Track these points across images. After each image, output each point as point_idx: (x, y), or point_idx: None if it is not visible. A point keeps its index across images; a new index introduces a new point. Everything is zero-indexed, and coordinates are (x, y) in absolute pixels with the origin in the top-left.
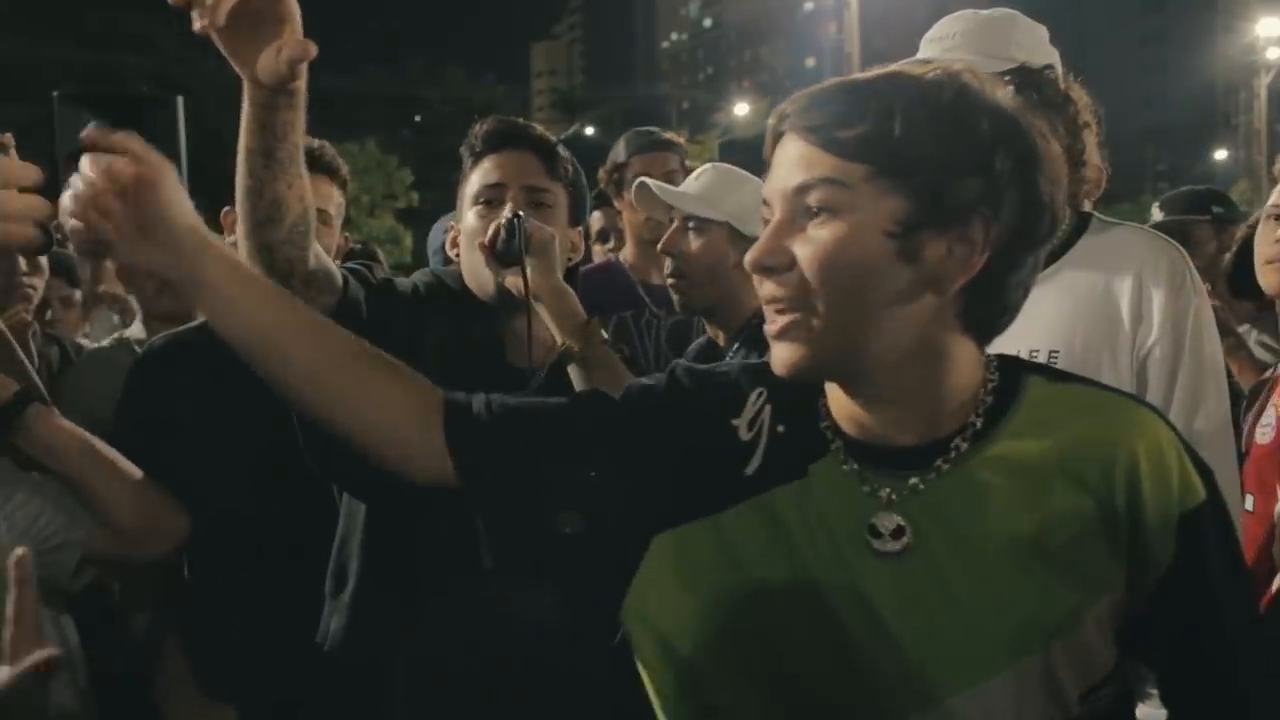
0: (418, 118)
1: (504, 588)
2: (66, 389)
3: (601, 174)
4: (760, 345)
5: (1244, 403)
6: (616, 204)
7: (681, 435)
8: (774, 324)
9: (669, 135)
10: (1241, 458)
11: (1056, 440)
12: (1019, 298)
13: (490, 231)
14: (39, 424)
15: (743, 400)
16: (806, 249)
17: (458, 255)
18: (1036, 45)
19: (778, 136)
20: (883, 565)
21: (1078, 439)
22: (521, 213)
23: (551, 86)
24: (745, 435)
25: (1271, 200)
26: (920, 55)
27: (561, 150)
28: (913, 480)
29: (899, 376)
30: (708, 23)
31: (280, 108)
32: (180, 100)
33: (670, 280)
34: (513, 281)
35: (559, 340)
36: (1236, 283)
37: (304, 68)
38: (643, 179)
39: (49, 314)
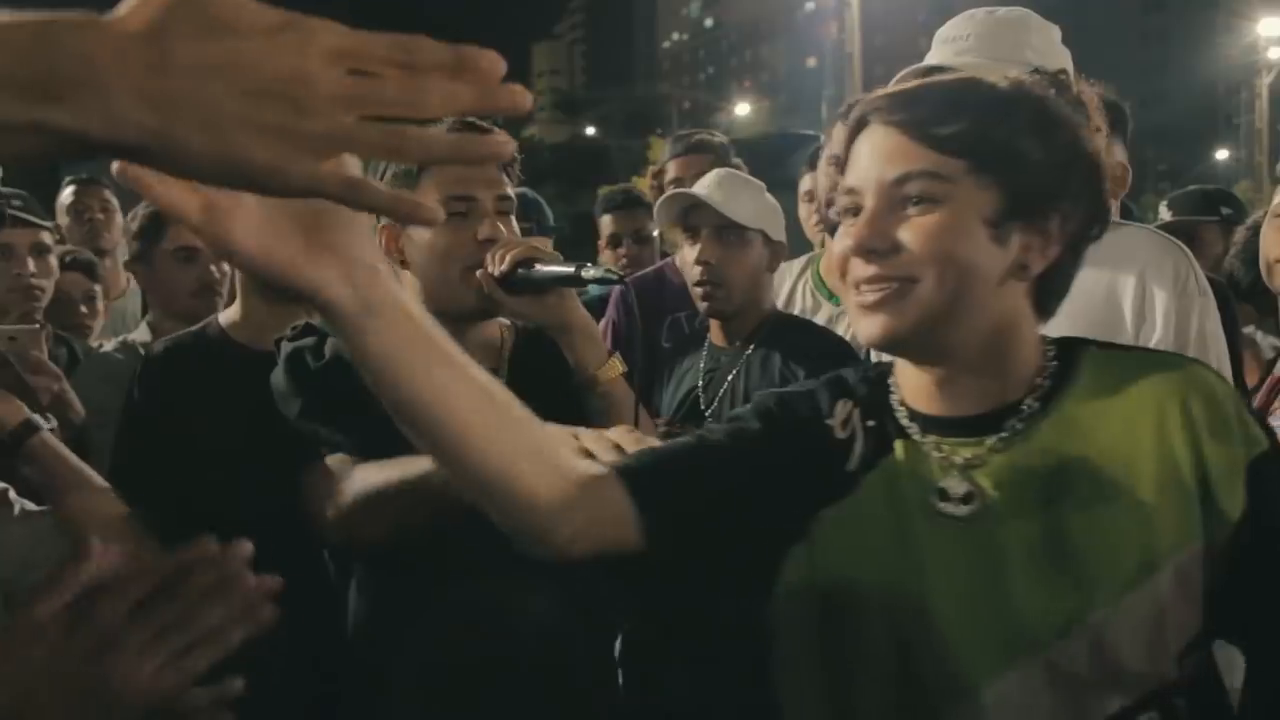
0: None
1: (504, 589)
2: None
3: (646, 181)
4: (776, 344)
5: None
6: None
7: (792, 453)
8: (870, 298)
9: (703, 136)
10: None
11: (1119, 400)
12: (1070, 286)
13: (505, 264)
14: (41, 453)
15: (831, 404)
16: (910, 233)
17: (401, 262)
18: (1049, 47)
19: (860, 126)
20: (953, 529)
21: (1139, 397)
22: (534, 255)
23: (552, 86)
24: (841, 434)
25: (1277, 200)
26: (932, 55)
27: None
28: (989, 441)
29: (978, 352)
30: (708, 23)
31: None
32: None
33: (705, 287)
34: (523, 307)
35: (581, 372)
36: (1237, 284)
37: None
38: (681, 191)
39: (82, 309)
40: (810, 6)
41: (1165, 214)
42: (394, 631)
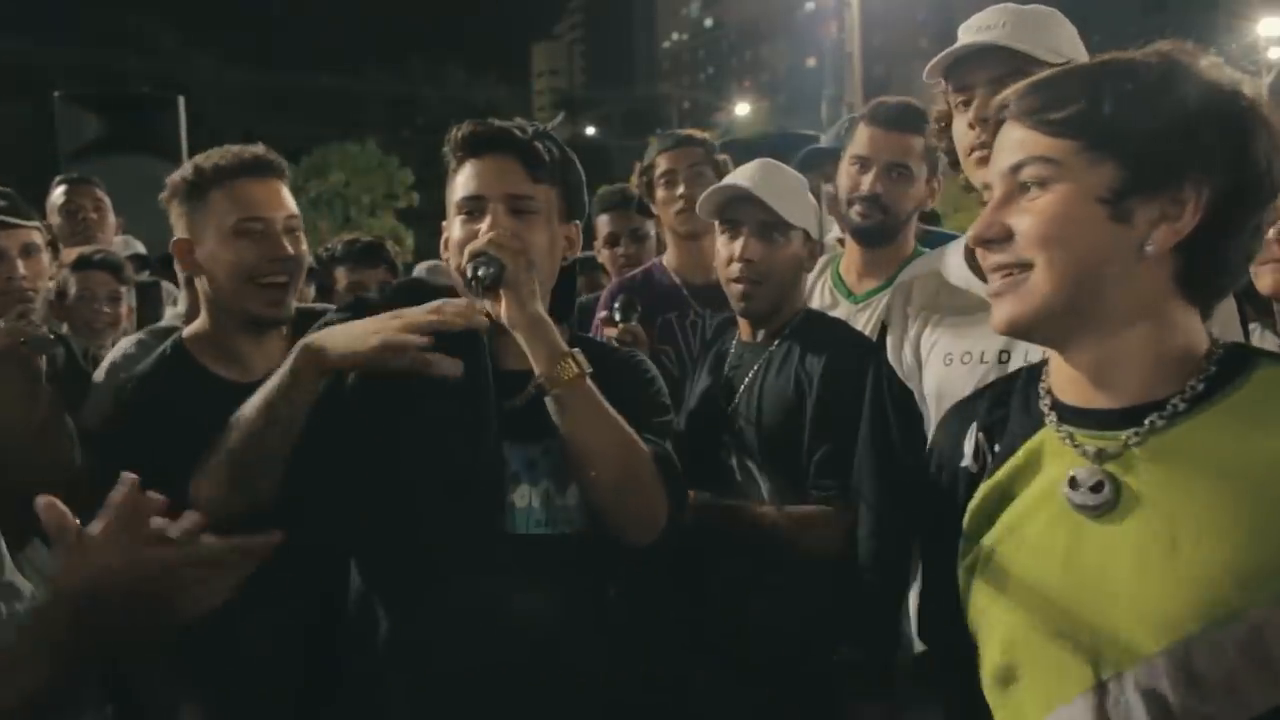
0: (418, 118)
1: (501, 587)
2: (100, 385)
3: (634, 180)
4: (799, 341)
5: None
6: (653, 208)
7: (951, 505)
8: (995, 285)
9: (690, 132)
10: None
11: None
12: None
13: (465, 259)
14: None
15: (960, 445)
16: (1022, 219)
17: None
18: (1074, 43)
19: (999, 124)
20: (1082, 519)
21: None
22: (490, 250)
23: (552, 86)
24: (973, 468)
25: None
26: (960, 43)
27: (547, 147)
28: (1124, 436)
29: (1119, 337)
30: (708, 23)
31: None
32: (181, 100)
33: (744, 285)
34: (493, 308)
35: (536, 372)
36: None
37: None
38: (730, 183)
39: (105, 309)
40: (810, 6)
41: None
42: (392, 629)
